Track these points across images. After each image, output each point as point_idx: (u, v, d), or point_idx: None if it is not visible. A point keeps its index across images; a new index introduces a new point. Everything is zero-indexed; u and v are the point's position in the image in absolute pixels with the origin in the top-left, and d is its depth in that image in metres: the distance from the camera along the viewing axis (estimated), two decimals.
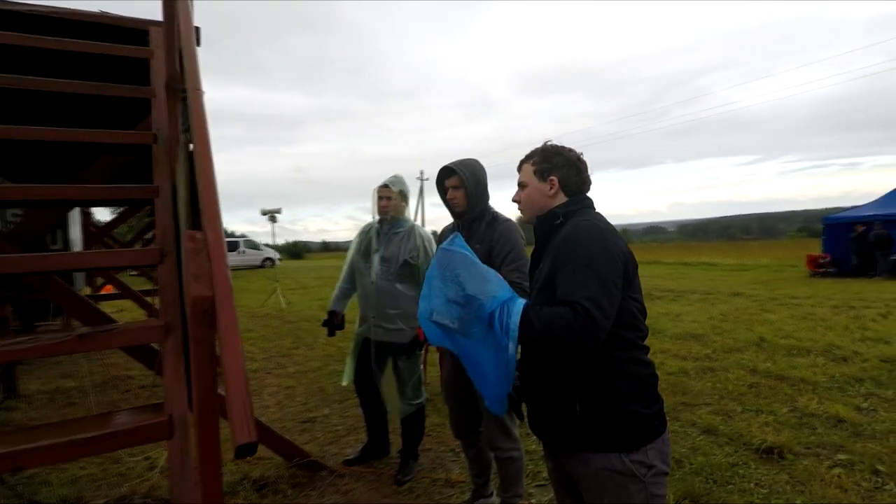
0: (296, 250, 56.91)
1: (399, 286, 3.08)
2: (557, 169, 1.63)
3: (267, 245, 30.61)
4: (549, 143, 1.71)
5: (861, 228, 15.35)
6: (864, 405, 4.01)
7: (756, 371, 5.02)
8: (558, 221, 1.58)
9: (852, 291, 11.16)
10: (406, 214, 3.24)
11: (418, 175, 45.15)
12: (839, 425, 3.66)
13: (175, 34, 1.84)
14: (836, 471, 3.00)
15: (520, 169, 1.72)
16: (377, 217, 3.21)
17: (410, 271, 3.10)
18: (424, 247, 3.14)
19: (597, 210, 1.66)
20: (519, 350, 1.43)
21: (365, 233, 3.32)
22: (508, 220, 2.47)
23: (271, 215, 13.11)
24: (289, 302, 12.64)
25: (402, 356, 3.12)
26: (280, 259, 33.03)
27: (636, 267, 1.51)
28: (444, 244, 1.54)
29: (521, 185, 1.70)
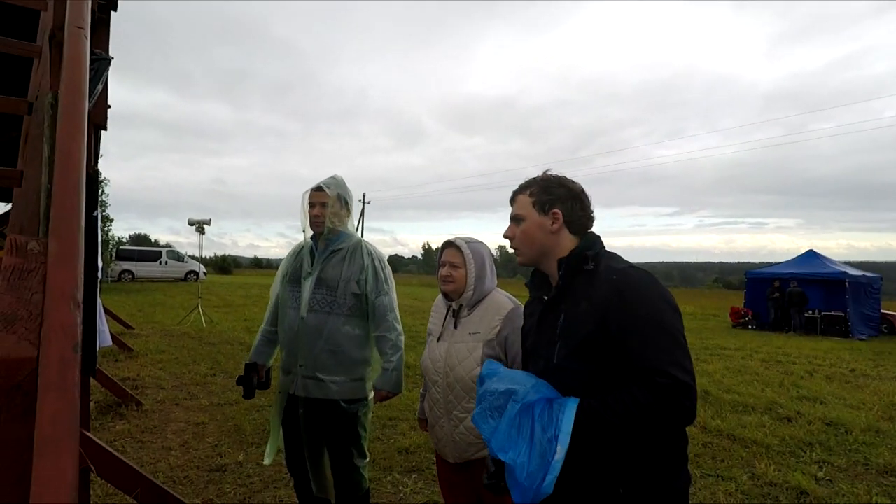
0: (224, 265, 54.00)
1: (340, 321, 2.35)
2: (561, 202, 1.43)
3: (193, 257, 28.65)
4: (549, 171, 1.51)
5: (777, 284, 16.28)
6: (821, 474, 3.86)
7: (707, 429, 4.84)
8: (588, 266, 1.35)
9: (774, 345, 11.62)
10: (349, 227, 2.50)
11: (360, 197, 44.46)
12: (802, 498, 3.46)
13: None
14: None
15: (513, 200, 1.51)
16: (309, 231, 2.47)
17: (357, 303, 2.39)
18: (374, 267, 2.41)
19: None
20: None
21: (295, 254, 2.55)
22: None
23: (199, 226, 12.08)
24: (210, 320, 11.59)
25: (339, 420, 2.35)
26: (206, 273, 31.01)
27: None
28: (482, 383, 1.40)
29: (515, 218, 1.49)
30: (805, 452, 4.33)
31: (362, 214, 44.43)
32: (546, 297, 1.44)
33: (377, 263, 2.43)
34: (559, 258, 1.41)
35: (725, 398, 6.05)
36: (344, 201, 2.45)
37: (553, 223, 1.42)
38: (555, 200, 1.43)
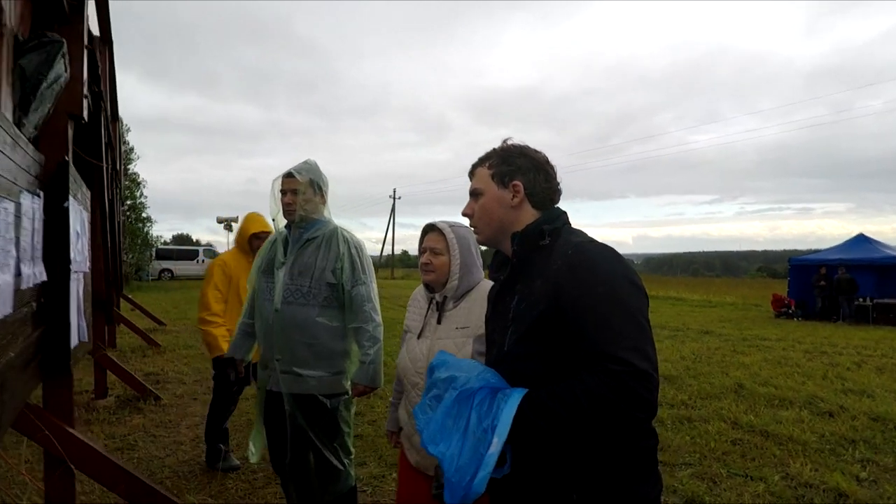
0: None
1: (315, 312, 2.24)
2: (522, 173, 1.30)
3: None
4: (510, 141, 1.36)
5: (823, 271, 15.42)
6: (864, 475, 3.53)
7: (738, 424, 4.53)
8: (544, 242, 1.22)
9: (820, 336, 10.99)
10: (325, 214, 2.38)
11: (391, 194, 44.82)
12: (840, 500, 3.17)
13: None
14: None
15: (472, 174, 1.38)
16: (281, 220, 2.36)
17: (333, 293, 2.27)
18: (351, 255, 2.28)
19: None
20: None
21: (271, 243, 2.44)
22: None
23: (227, 223, 12.31)
24: None
25: (320, 416, 2.25)
26: None
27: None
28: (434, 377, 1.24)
29: (474, 193, 1.36)
30: (847, 450, 3.98)
31: (393, 211, 44.75)
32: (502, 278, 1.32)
33: (354, 251, 2.31)
34: (513, 233, 1.27)
35: (761, 391, 5.68)
36: (317, 187, 2.33)
37: (513, 197, 1.29)
38: (515, 172, 1.29)
